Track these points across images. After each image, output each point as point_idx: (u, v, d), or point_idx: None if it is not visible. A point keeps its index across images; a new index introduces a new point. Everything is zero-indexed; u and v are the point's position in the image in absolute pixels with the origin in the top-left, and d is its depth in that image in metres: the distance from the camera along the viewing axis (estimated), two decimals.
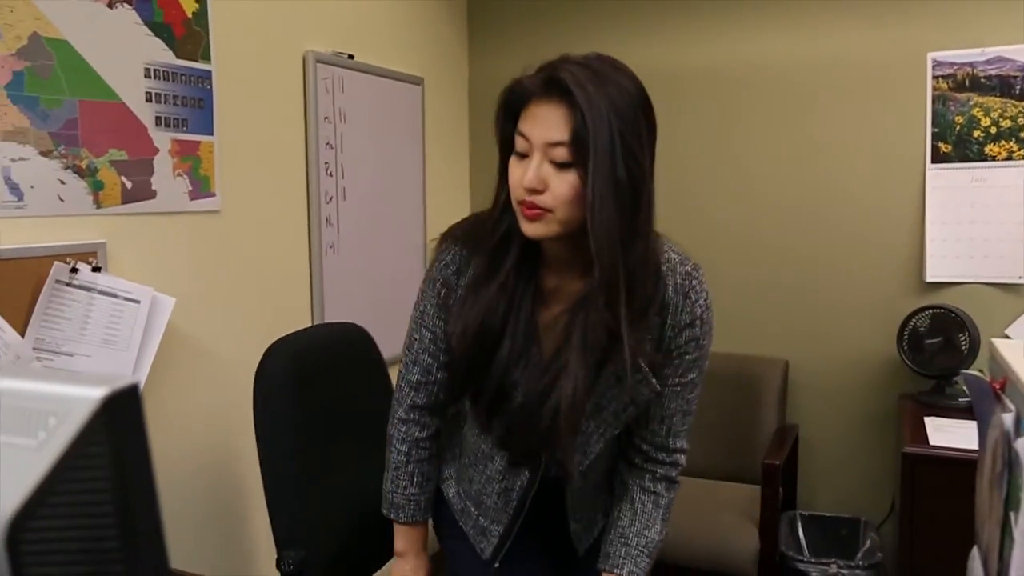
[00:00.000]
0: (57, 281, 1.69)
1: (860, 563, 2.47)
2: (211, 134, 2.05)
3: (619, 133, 1.13)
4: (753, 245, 3.03)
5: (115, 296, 1.76)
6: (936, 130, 2.75)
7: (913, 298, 2.80)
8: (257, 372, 1.69)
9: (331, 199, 2.50)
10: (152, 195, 1.91)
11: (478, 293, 1.27)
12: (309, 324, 2.44)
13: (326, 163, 2.48)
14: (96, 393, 0.51)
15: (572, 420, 1.25)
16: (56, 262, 1.68)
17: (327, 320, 2.47)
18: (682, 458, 1.41)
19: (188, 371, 2.03)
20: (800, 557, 2.49)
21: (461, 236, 1.34)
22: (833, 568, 2.45)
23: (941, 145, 2.74)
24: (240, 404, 2.20)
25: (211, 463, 2.12)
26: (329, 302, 2.50)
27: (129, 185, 1.85)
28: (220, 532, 2.18)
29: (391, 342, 2.83)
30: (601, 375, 1.26)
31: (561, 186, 1.15)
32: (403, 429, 1.44)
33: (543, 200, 1.17)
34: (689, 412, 1.37)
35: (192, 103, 2.00)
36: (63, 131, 1.71)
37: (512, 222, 1.24)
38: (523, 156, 1.18)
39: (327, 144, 2.48)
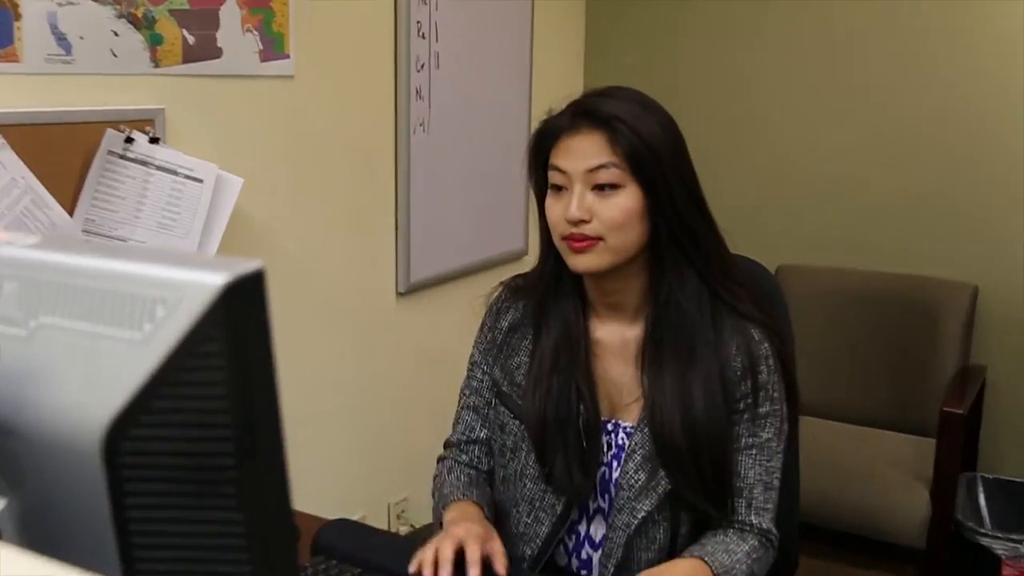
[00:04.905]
0: (110, 152, 1.72)
1: None
2: None
3: (674, 142, 1.36)
4: (941, 144, 2.88)
5: (175, 173, 1.80)
6: None
7: None
8: None
9: (422, 66, 2.48)
10: (217, 54, 1.91)
11: (540, 371, 1.43)
12: (392, 214, 2.46)
13: (418, 22, 2.44)
14: (215, 279, 0.50)
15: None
16: (108, 129, 1.72)
17: (412, 208, 2.48)
18: (772, 542, 1.43)
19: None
20: (981, 529, 2.44)
21: (512, 283, 1.56)
22: None
23: None
24: (314, 309, 2.25)
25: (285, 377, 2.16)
26: (417, 189, 2.51)
27: (191, 40, 1.86)
28: (320, 466, 2.25)
29: (486, 240, 2.85)
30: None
31: (609, 210, 1.33)
32: (443, 467, 1.56)
33: (592, 229, 1.33)
34: (772, 486, 1.42)
35: None
36: None
37: (557, 265, 1.42)
38: (559, 189, 1.36)
39: None
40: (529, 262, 2.32)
